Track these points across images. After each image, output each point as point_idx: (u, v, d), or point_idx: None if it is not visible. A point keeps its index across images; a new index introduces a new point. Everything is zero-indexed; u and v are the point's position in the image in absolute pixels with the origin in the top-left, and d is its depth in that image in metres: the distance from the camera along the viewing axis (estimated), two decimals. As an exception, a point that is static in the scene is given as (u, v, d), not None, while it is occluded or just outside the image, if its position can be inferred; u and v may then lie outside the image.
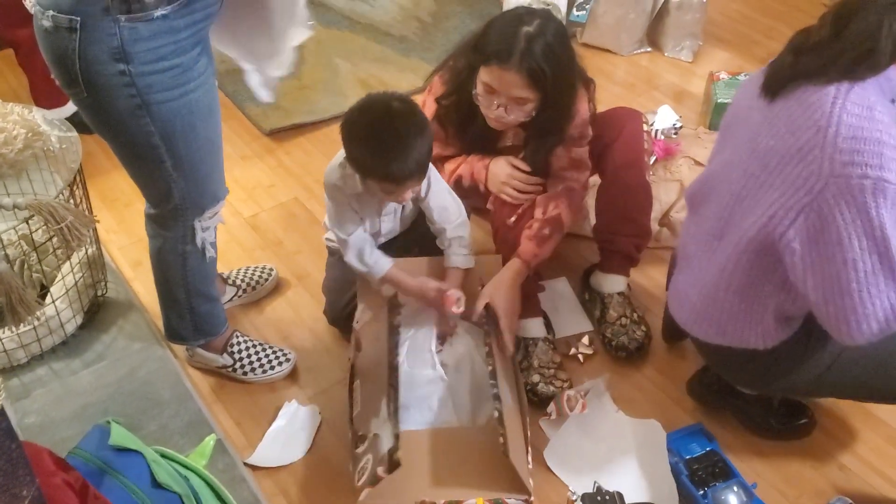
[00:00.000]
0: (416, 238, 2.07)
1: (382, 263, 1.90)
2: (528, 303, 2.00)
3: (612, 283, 2.11)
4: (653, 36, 3.28)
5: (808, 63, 1.39)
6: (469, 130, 2.01)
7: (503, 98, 1.85)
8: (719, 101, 2.69)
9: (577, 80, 1.95)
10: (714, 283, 1.58)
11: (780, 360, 1.62)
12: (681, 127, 2.55)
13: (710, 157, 1.72)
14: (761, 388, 1.75)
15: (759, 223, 1.42)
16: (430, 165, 1.86)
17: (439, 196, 1.92)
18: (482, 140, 2.03)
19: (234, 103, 2.92)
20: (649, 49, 3.28)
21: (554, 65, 1.80)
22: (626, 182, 2.06)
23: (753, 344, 1.58)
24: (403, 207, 1.98)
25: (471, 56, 1.89)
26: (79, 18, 1.33)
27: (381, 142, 1.69)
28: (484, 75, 1.85)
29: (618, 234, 2.09)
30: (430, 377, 1.84)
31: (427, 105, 2.04)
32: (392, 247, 2.08)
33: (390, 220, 1.98)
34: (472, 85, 1.90)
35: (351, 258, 1.89)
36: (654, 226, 2.32)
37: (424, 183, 1.87)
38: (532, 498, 1.67)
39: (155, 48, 1.38)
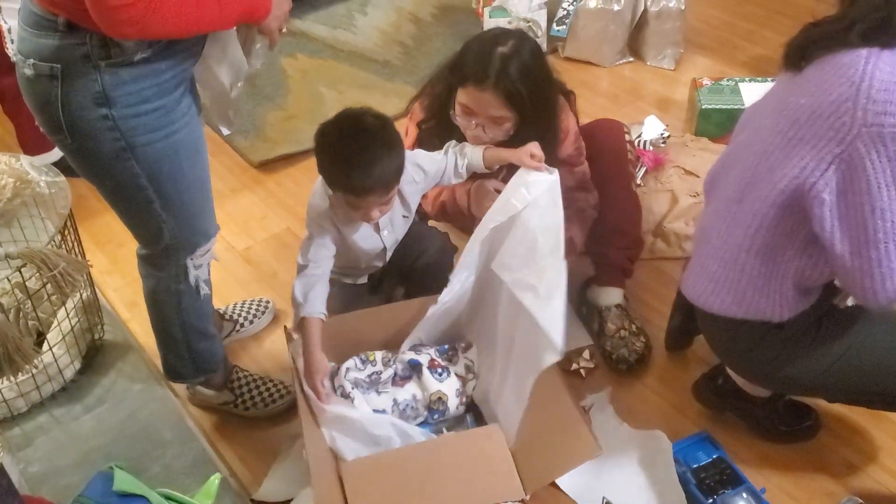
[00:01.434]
0: (405, 273, 2.07)
1: (317, 308, 1.79)
2: None
3: (608, 296, 2.11)
4: (634, 46, 3.30)
5: (824, 30, 1.43)
6: None
7: (481, 118, 1.86)
8: (704, 107, 2.70)
9: (556, 96, 1.96)
10: (737, 245, 1.57)
11: (790, 345, 1.62)
12: (668, 136, 2.56)
13: (725, 150, 1.73)
14: (768, 379, 1.73)
15: (790, 175, 1.43)
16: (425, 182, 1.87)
17: (424, 166, 1.90)
18: None
19: (222, 138, 2.92)
20: (631, 59, 3.30)
21: (530, 84, 1.82)
22: (613, 194, 2.07)
23: (769, 315, 1.57)
24: (405, 218, 1.97)
25: (448, 78, 1.90)
26: (60, 66, 1.34)
27: (346, 152, 1.71)
28: (461, 96, 1.87)
29: (610, 247, 2.10)
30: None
31: (409, 132, 2.05)
32: (381, 286, 2.07)
33: (390, 233, 1.97)
34: (451, 107, 1.91)
35: (298, 285, 1.82)
36: (649, 237, 2.33)
37: (410, 181, 1.87)
38: (527, 497, 1.70)
39: (137, 91, 1.38)
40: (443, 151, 1.92)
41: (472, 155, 1.89)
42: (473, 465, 1.77)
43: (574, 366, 2.06)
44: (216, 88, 1.56)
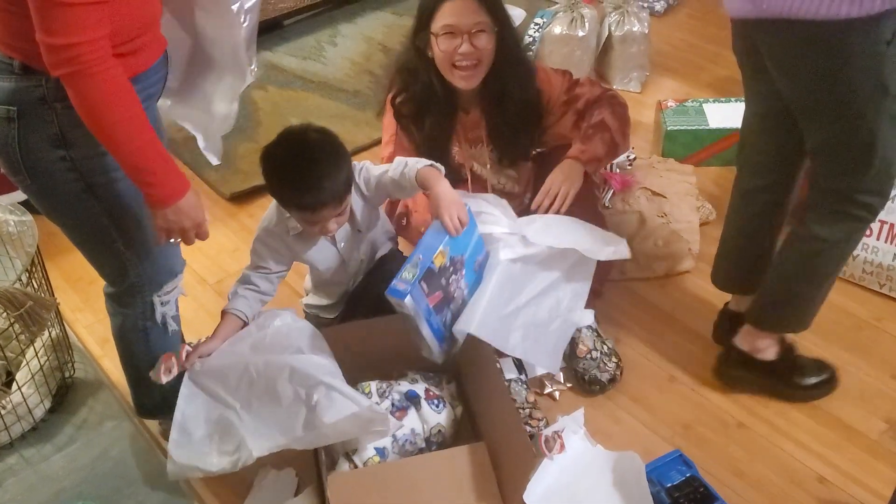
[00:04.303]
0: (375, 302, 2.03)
1: (240, 305, 1.89)
2: None
3: (579, 317, 2.12)
4: (600, 70, 3.34)
5: None
6: (424, 125, 2.07)
7: (465, 30, 1.92)
8: (669, 128, 2.73)
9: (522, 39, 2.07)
10: None
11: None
12: (634, 158, 2.58)
13: None
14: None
15: None
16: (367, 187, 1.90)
17: (376, 189, 1.91)
18: (432, 146, 2.10)
19: (193, 171, 2.93)
20: (599, 83, 3.33)
21: None
22: (579, 216, 2.08)
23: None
24: (359, 232, 1.98)
25: (418, 23, 1.98)
26: (16, 108, 1.35)
27: (294, 171, 1.73)
28: (440, 19, 1.94)
29: (579, 268, 2.10)
30: None
31: (387, 125, 2.13)
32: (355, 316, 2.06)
33: (347, 244, 1.97)
34: (423, 67, 1.99)
35: (239, 282, 1.93)
36: (617, 257, 2.34)
37: (356, 197, 1.89)
38: None
39: (96, 132, 1.38)
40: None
41: (414, 164, 1.84)
42: (457, 484, 1.75)
43: (548, 389, 2.07)
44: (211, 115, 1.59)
